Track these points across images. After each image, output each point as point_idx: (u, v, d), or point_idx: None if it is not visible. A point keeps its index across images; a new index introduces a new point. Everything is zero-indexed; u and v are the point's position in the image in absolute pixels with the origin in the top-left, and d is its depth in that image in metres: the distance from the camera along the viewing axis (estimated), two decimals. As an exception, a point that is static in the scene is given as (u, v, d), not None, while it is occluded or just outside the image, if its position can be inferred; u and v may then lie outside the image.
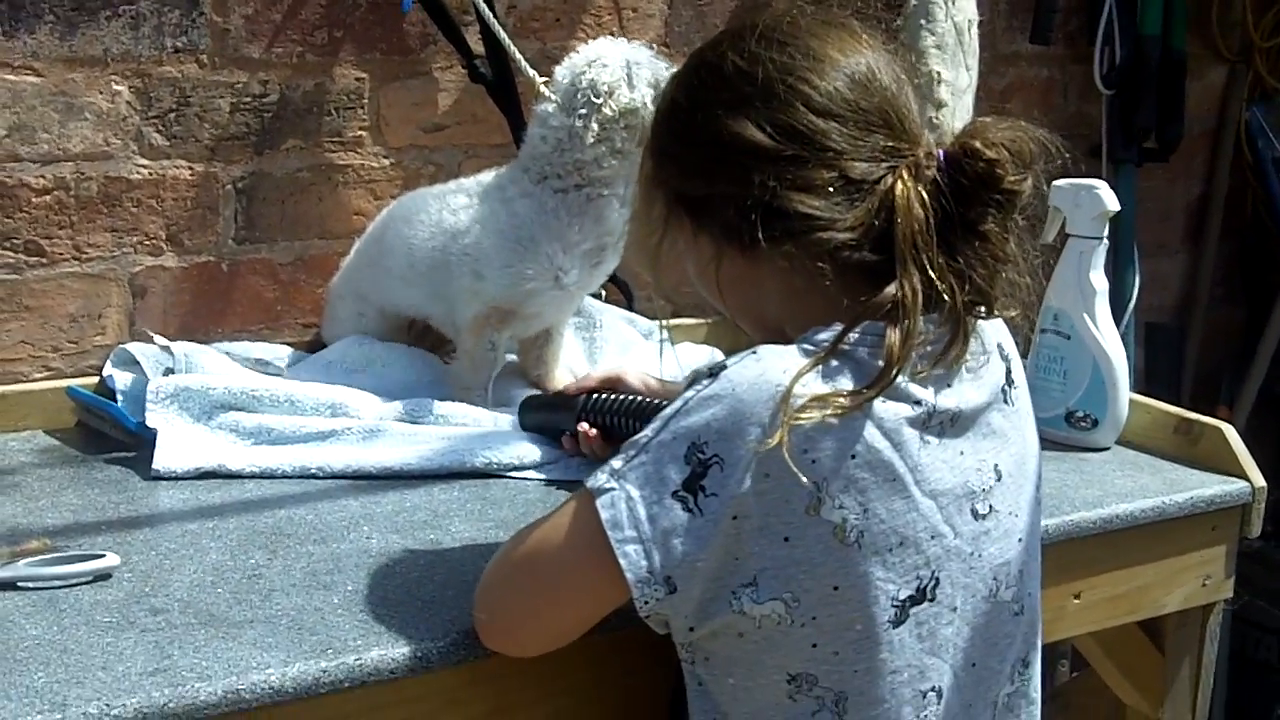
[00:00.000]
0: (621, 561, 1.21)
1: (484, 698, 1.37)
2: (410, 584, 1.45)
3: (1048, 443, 1.96)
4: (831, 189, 1.24)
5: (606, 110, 1.85)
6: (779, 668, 1.24)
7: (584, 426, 1.75)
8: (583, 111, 1.87)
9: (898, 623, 1.23)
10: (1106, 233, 1.98)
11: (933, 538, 1.24)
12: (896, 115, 1.28)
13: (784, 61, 1.27)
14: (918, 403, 1.23)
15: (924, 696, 1.27)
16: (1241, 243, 3.45)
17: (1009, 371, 1.35)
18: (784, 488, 1.18)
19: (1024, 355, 1.96)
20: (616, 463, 1.24)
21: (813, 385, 1.19)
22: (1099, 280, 1.98)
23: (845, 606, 1.21)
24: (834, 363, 1.22)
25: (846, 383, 1.21)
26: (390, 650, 1.30)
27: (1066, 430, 1.99)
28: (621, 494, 1.22)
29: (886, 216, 1.23)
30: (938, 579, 1.25)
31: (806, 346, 1.23)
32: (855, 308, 1.24)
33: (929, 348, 1.25)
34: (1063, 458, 1.94)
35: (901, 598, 1.23)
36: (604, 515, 1.21)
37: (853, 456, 1.19)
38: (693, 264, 1.36)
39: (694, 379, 1.25)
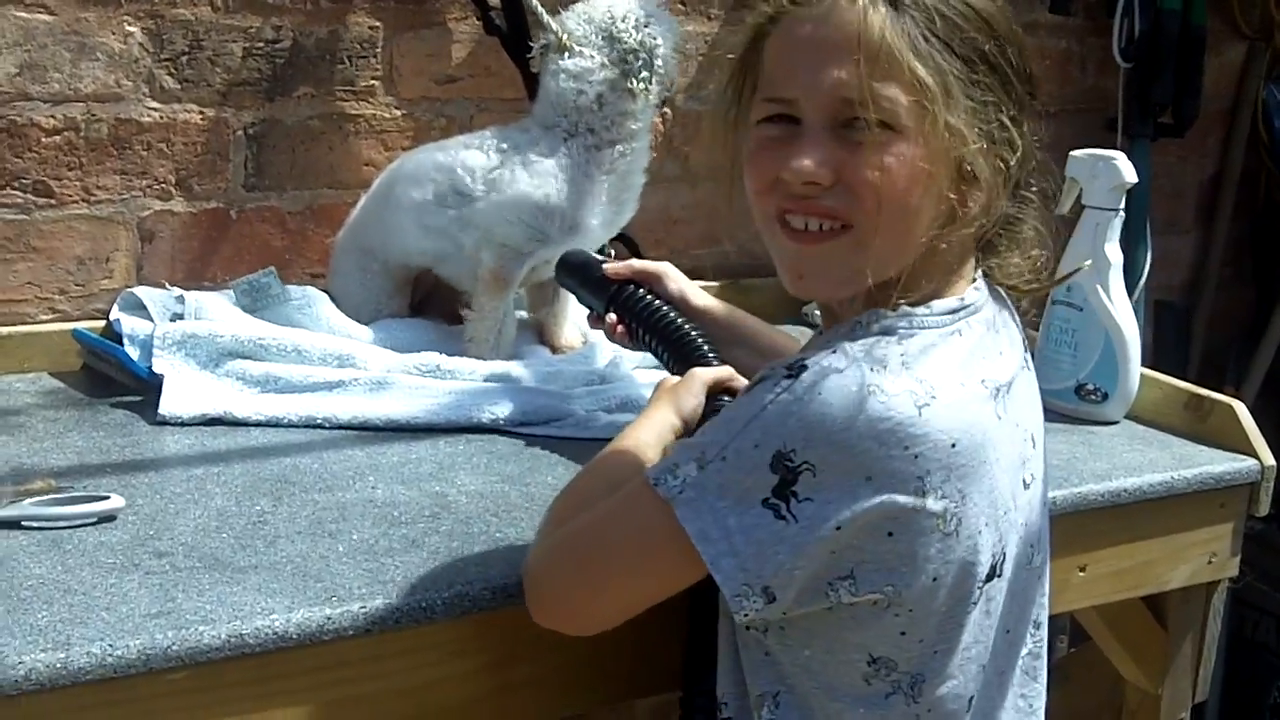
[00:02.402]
0: (717, 576, 1.17)
1: (487, 649, 1.36)
2: (415, 535, 1.44)
3: (1058, 415, 1.97)
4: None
5: (660, 69, 1.89)
6: (861, 647, 1.22)
7: (612, 318, 1.66)
8: (644, 74, 1.88)
9: (975, 602, 1.22)
10: (1122, 205, 1.97)
11: (1004, 513, 1.22)
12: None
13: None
14: (985, 380, 1.21)
15: (982, 670, 1.26)
16: (1253, 223, 3.43)
17: (1025, 340, 1.34)
18: (887, 488, 1.14)
19: (1034, 324, 1.98)
20: (690, 468, 1.18)
21: (903, 381, 1.15)
22: (1114, 252, 1.97)
23: (941, 594, 1.19)
24: (915, 348, 1.19)
25: (931, 372, 1.17)
26: (394, 599, 1.29)
27: (1076, 403, 1.98)
28: (704, 503, 1.17)
29: None
30: (1005, 553, 1.24)
31: (884, 334, 1.20)
32: (937, 287, 1.24)
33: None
34: (1072, 430, 1.94)
35: (982, 578, 1.22)
36: (690, 528, 1.17)
37: (953, 446, 1.15)
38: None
39: (766, 376, 1.19)
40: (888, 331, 1.20)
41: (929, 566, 1.17)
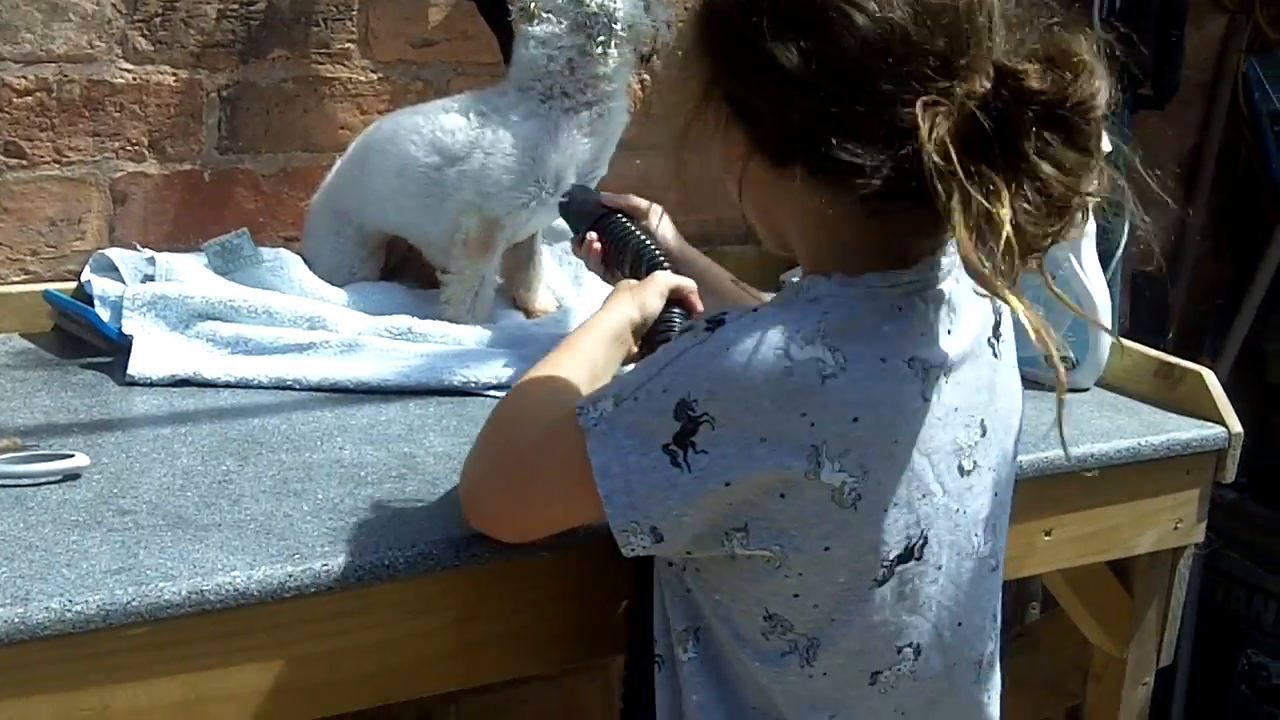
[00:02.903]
0: (607, 509, 1.19)
1: (449, 607, 1.36)
2: (381, 495, 1.44)
3: (1028, 382, 1.96)
4: (875, 134, 1.13)
5: (622, 33, 1.88)
6: (759, 601, 1.23)
7: (592, 236, 1.71)
8: (601, 37, 1.88)
9: (882, 581, 1.22)
10: (1096, 174, 1.97)
11: (924, 496, 1.22)
12: (963, 50, 1.13)
13: None
14: (914, 359, 1.19)
15: (899, 652, 1.26)
16: (1231, 196, 3.43)
17: (997, 324, 1.31)
18: (780, 452, 1.14)
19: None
20: (608, 403, 1.20)
21: (813, 349, 1.15)
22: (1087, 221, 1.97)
23: (834, 565, 1.20)
24: (839, 319, 1.17)
25: (851, 345, 1.16)
26: (357, 558, 1.29)
27: (1046, 369, 1.97)
28: (612, 439, 1.19)
29: (917, 157, 1.11)
30: (926, 538, 1.23)
31: (809, 301, 1.19)
32: (878, 257, 1.20)
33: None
34: (1041, 396, 1.91)
35: (891, 557, 1.21)
36: (594, 460, 1.19)
37: (855, 420, 1.15)
38: (718, 152, 1.26)
39: (690, 328, 1.22)
40: (815, 300, 1.19)
41: (819, 536, 1.18)
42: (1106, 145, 1.92)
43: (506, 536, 1.34)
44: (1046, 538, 1.79)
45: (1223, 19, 3.26)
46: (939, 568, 1.26)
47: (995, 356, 1.30)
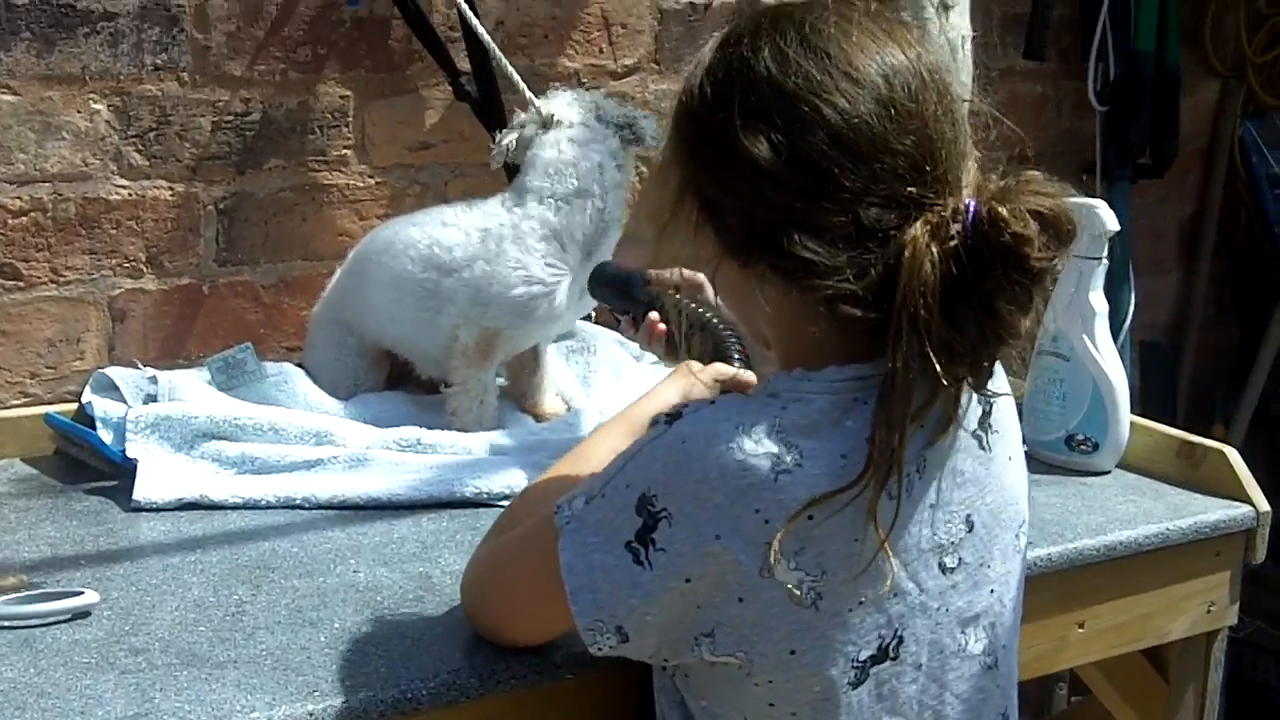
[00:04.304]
0: (573, 608, 1.18)
1: (476, 739, 1.33)
2: (398, 620, 1.41)
3: (1048, 466, 1.94)
4: (838, 233, 1.13)
5: (650, 142, 1.94)
6: (738, 709, 1.20)
7: (654, 317, 1.65)
8: (633, 146, 1.94)
9: (857, 684, 1.19)
10: (1106, 253, 1.95)
11: (895, 595, 1.18)
12: (930, 158, 1.14)
13: (818, 79, 1.14)
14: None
15: None
16: (1235, 260, 3.42)
17: (986, 414, 1.25)
18: (734, 549, 1.13)
19: (1022, 374, 1.95)
20: (580, 500, 1.20)
21: (768, 444, 1.13)
22: (1099, 301, 1.95)
23: (803, 670, 1.17)
24: (796, 415, 1.15)
25: (808, 441, 1.13)
26: (379, 692, 1.25)
27: (1067, 454, 1.95)
28: (580, 536, 1.19)
29: (893, 272, 1.11)
30: (901, 637, 1.20)
31: (769, 396, 1.17)
32: (842, 353, 1.17)
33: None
34: (1064, 482, 1.91)
35: (862, 658, 1.18)
36: (563, 558, 1.19)
37: (810, 517, 1.12)
38: (693, 253, 1.27)
39: (654, 421, 1.21)
40: (774, 395, 1.17)
41: (782, 639, 1.15)
42: (1112, 224, 1.92)
43: (504, 641, 1.33)
44: (1080, 630, 1.76)
45: (1216, 84, 3.27)
46: (918, 667, 1.22)
47: (983, 449, 1.26)
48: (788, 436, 1.14)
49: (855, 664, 1.18)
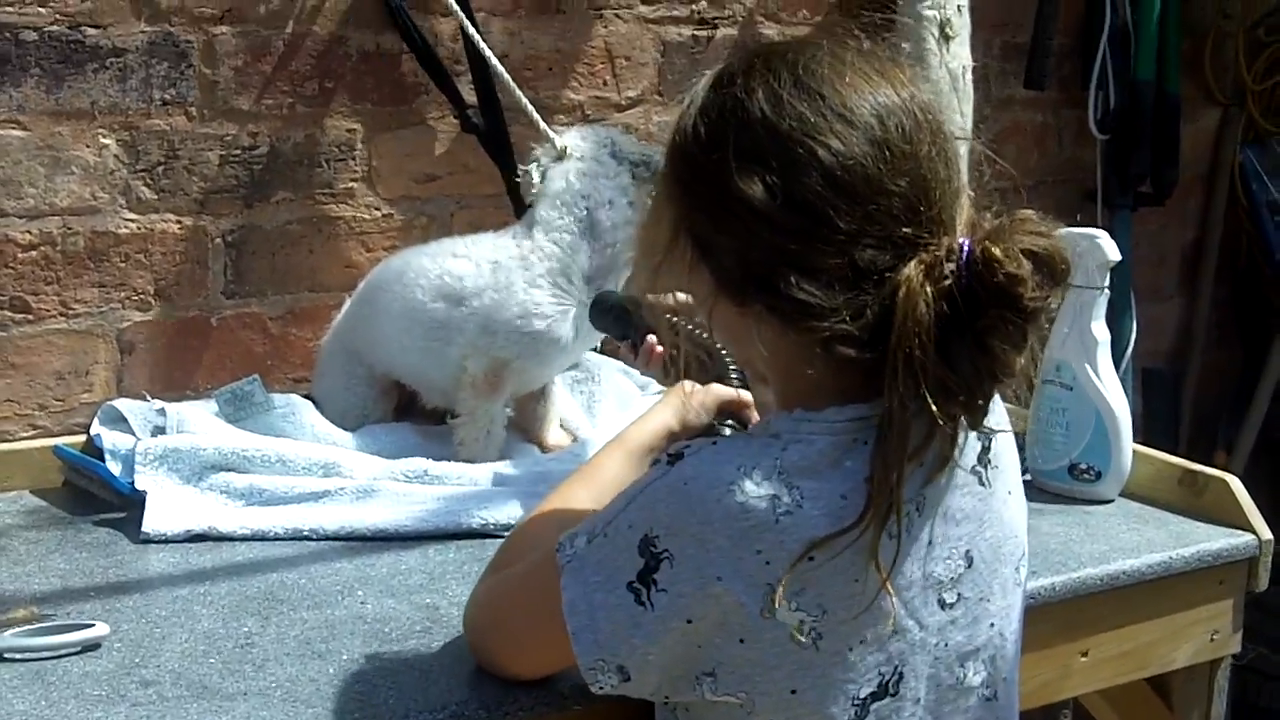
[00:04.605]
0: (575, 647, 1.19)
1: (484, 771, 1.33)
2: (406, 652, 1.41)
3: (1051, 495, 1.95)
4: (833, 274, 1.14)
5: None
6: None
7: (652, 340, 1.69)
8: (644, 180, 1.93)
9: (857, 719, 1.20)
10: (1107, 283, 1.96)
11: (895, 633, 1.19)
12: (925, 199, 1.15)
13: (813, 121, 1.15)
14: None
15: None
16: (1236, 287, 3.43)
17: (985, 449, 1.26)
18: (735, 591, 1.13)
19: (1026, 404, 1.96)
20: (582, 540, 1.20)
21: (769, 486, 1.14)
22: (1100, 330, 1.96)
23: (804, 709, 1.17)
24: (796, 456, 1.15)
25: (809, 482, 1.14)
26: (388, 724, 1.26)
27: (1070, 483, 1.96)
28: (582, 575, 1.19)
29: (888, 312, 1.13)
30: (901, 673, 1.20)
31: (770, 436, 1.18)
32: (840, 393, 1.18)
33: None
34: (1067, 511, 1.92)
35: (863, 696, 1.19)
36: (565, 596, 1.19)
37: (810, 559, 1.13)
38: (690, 292, 1.28)
39: (655, 461, 1.22)
40: (775, 435, 1.18)
41: (783, 678, 1.16)
42: (1114, 254, 1.93)
43: (507, 674, 1.33)
44: (1083, 659, 1.76)
45: (1216, 112, 3.29)
46: (916, 701, 1.23)
47: (982, 485, 1.26)
48: (789, 478, 1.14)
49: (855, 701, 1.18)
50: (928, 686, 1.23)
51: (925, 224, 1.15)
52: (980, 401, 1.16)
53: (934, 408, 1.12)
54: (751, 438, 1.21)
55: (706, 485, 1.14)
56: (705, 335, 1.60)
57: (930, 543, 1.21)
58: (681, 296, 1.66)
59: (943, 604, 1.23)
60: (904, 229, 1.14)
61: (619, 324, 1.78)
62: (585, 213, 1.92)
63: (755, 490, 1.13)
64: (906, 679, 1.21)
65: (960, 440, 1.19)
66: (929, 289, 1.12)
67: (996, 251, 1.12)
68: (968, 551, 1.24)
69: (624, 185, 1.94)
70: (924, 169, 1.16)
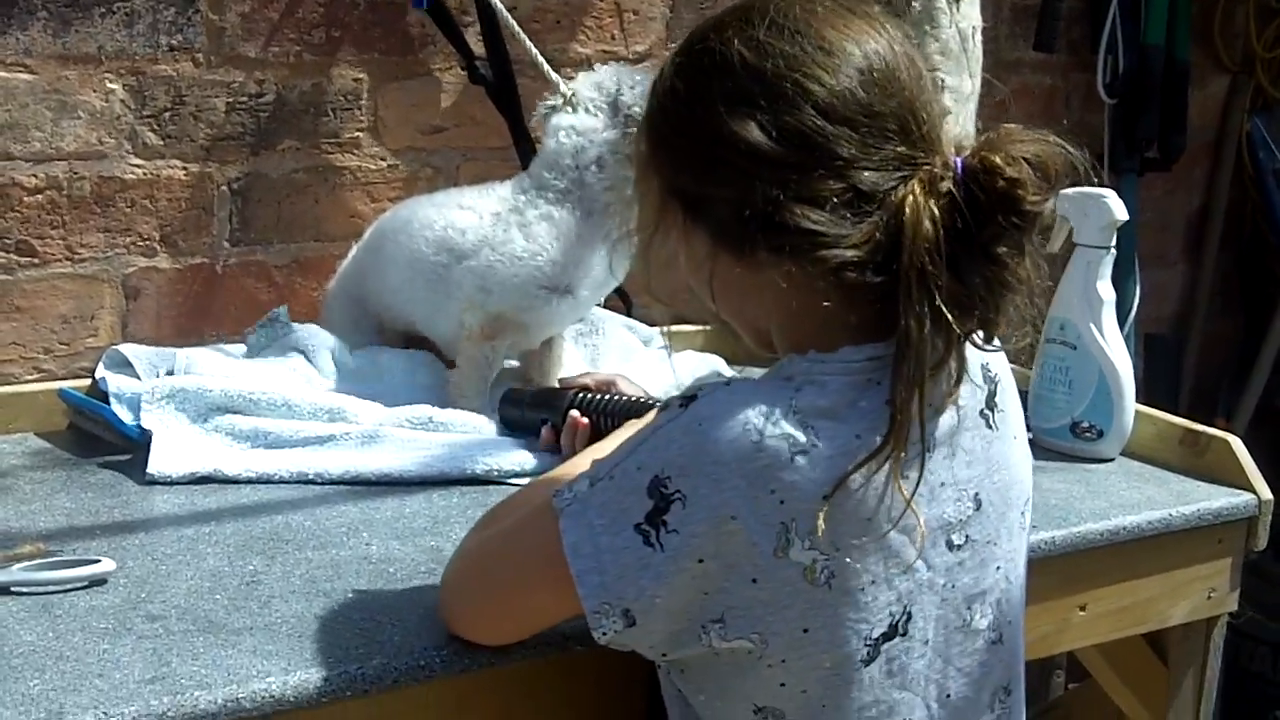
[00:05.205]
0: (580, 590, 1.17)
1: (486, 707, 1.35)
2: (411, 591, 1.42)
3: (1052, 454, 1.96)
4: (837, 201, 1.15)
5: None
6: (745, 696, 1.21)
7: (575, 414, 1.75)
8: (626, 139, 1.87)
9: (869, 660, 1.20)
10: (1114, 243, 1.96)
11: (904, 573, 1.19)
12: (914, 118, 1.18)
13: (794, 55, 1.17)
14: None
15: None
16: (1240, 255, 3.43)
17: (992, 395, 1.28)
18: (750, 529, 1.13)
19: (1028, 363, 1.97)
20: (583, 484, 1.20)
21: (784, 426, 1.14)
22: (1106, 290, 1.96)
23: (815, 648, 1.18)
24: (811, 397, 1.16)
25: (823, 423, 1.15)
26: (392, 659, 1.27)
27: (1071, 441, 1.97)
28: (585, 518, 1.18)
29: (895, 232, 1.14)
30: (910, 613, 1.21)
31: (783, 379, 1.19)
32: (853, 331, 1.19)
33: None
34: (1068, 469, 1.92)
35: (874, 636, 1.19)
36: (566, 540, 1.18)
37: (824, 497, 1.13)
38: (685, 260, 1.28)
39: (666, 405, 1.22)
40: (789, 377, 1.18)
41: (796, 618, 1.16)
42: (1121, 214, 1.93)
43: (482, 637, 1.30)
44: (1081, 613, 1.77)
45: (1225, 79, 3.28)
46: (925, 642, 1.24)
47: (990, 428, 1.27)
48: (804, 418, 1.15)
49: (868, 641, 1.19)
50: (936, 628, 1.24)
51: (917, 143, 1.18)
52: (993, 315, 1.18)
53: (950, 320, 1.13)
54: (765, 380, 1.21)
55: (722, 425, 1.14)
56: (624, 400, 1.74)
57: (941, 484, 1.22)
58: (596, 375, 1.83)
59: (951, 545, 1.23)
60: (899, 148, 1.17)
61: (538, 409, 1.83)
62: (576, 173, 1.90)
63: (771, 430, 1.13)
64: (915, 619, 1.21)
65: (969, 372, 1.21)
66: (932, 205, 1.14)
67: (996, 159, 1.14)
68: (976, 494, 1.25)
69: (616, 142, 1.89)
70: (908, 91, 1.19)
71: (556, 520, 1.19)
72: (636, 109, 1.89)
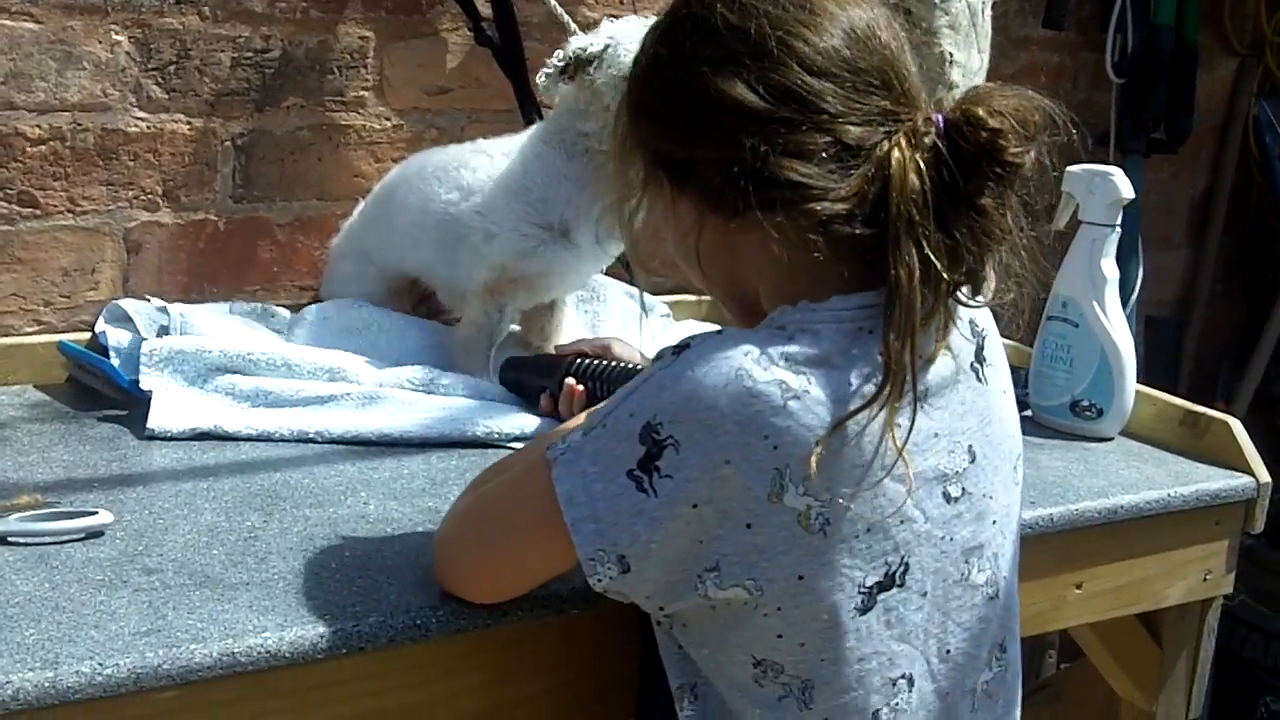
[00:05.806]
0: (574, 537, 1.18)
1: (481, 667, 1.35)
2: (408, 551, 1.42)
3: (1052, 432, 1.96)
4: (825, 155, 1.17)
5: (601, 78, 1.83)
6: (744, 648, 1.21)
7: (571, 382, 1.77)
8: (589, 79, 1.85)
9: (865, 610, 1.20)
10: (1119, 221, 1.96)
11: (901, 522, 1.20)
12: (896, 75, 1.21)
13: (777, 15, 1.20)
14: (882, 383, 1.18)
15: (894, 685, 1.23)
16: (1244, 239, 3.43)
17: (980, 349, 1.30)
18: (744, 474, 1.14)
19: (1029, 340, 1.96)
20: (577, 434, 1.21)
21: (776, 371, 1.15)
22: (1110, 268, 1.96)
23: (810, 596, 1.18)
24: (804, 344, 1.17)
25: (816, 370, 1.16)
26: (388, 618, 1.27)
27: (1071, 419, 1.97)
28: (578, 467, 1.19)
29: (881, 185, 1.17)
30: (907, 564, 1.22)
31: (776, 329, 1.20)
32: (844, 283, 1.20)
33: None
34: (1067, 447, 1.92)
35: (869, 584, 1.20)
36: (559, 489, 1.19)
37: (816, 443, 1.14)
38: (671, 231, 1.29)
39: (659, 355, 1.23)
40: (781, 326, 1.20)
41: (790, 564, 1.16)
42: (1127, 191, 1.93)
43: (478, 594, 1.31)
44: (1077, 591, 1.77)
45: (1233, 62, 3.27)
46: (923, 594, 1.24)
47: (980, 381, 1.29)
48: (796, 365, 1.16)
49: (862, 589, 1.19)
50: (934, 581, 1.24)
51: (900, 98, 1.21)
52: (978, 266, 1.20)
53: (939, 268, 1.16)
54: (757, 330, 1.21)
55: (714, 372, 1.15)
56: (619, 366, 1.77)
57: (935, 435, 1.23)
58: (593, 340, 1.85)
59: (947, 497, 1.24)
60: (882, 103, 1.20)
61: (536, 376, 1.84)
62: (574, 144, 1.89)
63: (763, 376, 1.14)
64: (913, 570, 1.22)
65: (958, 328, 1.24)
66: (918, 158, 1.17)
67: (978, 111, 1.17)
68: (970, 447, 1.26)
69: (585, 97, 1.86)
70: (889, 50, 1.22)
71: (550, 471, 1.20)
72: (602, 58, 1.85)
